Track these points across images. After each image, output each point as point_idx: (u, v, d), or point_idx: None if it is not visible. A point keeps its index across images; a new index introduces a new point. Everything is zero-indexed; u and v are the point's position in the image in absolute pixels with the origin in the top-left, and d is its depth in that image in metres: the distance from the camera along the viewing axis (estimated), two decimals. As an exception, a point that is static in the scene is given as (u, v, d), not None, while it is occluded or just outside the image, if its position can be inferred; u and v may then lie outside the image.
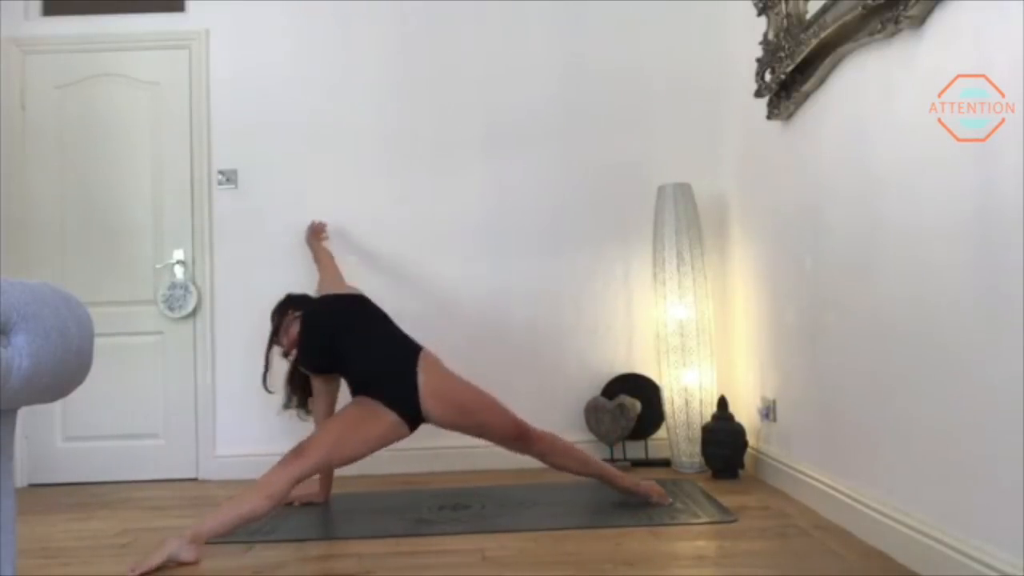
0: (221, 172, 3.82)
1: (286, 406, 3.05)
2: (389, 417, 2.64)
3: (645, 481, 2.86)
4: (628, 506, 2.76)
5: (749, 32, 3.10)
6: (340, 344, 2.79)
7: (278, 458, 3.62)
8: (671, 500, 2.78)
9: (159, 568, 2.20)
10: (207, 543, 2.32)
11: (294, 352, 2.93)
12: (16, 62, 3.84)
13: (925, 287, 1.95)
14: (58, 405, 3.60)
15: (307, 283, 3.76)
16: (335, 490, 3.06)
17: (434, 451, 3.54)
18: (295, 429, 3.69)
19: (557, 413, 3.68)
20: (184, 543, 2.25)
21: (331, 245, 3.79)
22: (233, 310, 3.79)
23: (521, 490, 3.11)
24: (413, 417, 2.69)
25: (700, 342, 3.48)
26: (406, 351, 2.77)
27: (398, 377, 2.69)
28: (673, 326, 3.49)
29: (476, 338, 3.64)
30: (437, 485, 3.24)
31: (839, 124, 2.46)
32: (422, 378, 2.68)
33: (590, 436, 3.64)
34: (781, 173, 3.00)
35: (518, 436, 2.73)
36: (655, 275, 3.58)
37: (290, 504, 2.86)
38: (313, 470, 2.54)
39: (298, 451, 2.52)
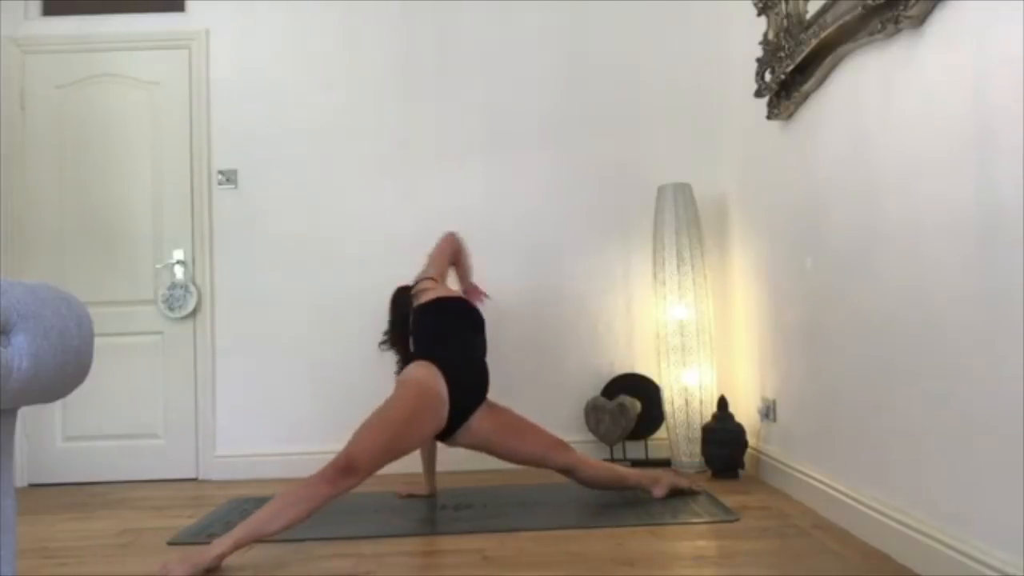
0: (221, 172, 3.82)
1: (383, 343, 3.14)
2: (443, 412, 2.61)
3: (672, 477, 2.99)
4: (628, 506, 2.77)
5: (749, 32, 3.10)
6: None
7: (278, 458, 3.70)
8: (699, 488, 2.95)
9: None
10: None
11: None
12: (16, 62, 3.84)
13: (925, 287, 1.95)
14: (58, 405, 3.62)
15: (306, 282, 3.79)
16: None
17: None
18: (294, 429, 3.73)
19: (557, 413, 3.68)
20: (210, 556, 2.13)
21: (331, 244, 3.80)
22: (233, 310, 3.79)
23: (522, 490, 3.12)
24: (451, 428, 2.72)
25: (700, 342, 3.48)
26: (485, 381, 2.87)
27: (476, 389, 2.78)
28: (673, 326, 3.50)
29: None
30: (438, 485, 3.24)
31: (839, 124, 2.46)
32: (483, 408, 2.79)
33: (590, 436, 3.64)
34: (781, 173, 3.00)
35: (558, 444, 2.81)
36: (655, 275, 3.58)
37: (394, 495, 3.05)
38: (360, 482, 2.34)
39: (346, 466, 2.30)
